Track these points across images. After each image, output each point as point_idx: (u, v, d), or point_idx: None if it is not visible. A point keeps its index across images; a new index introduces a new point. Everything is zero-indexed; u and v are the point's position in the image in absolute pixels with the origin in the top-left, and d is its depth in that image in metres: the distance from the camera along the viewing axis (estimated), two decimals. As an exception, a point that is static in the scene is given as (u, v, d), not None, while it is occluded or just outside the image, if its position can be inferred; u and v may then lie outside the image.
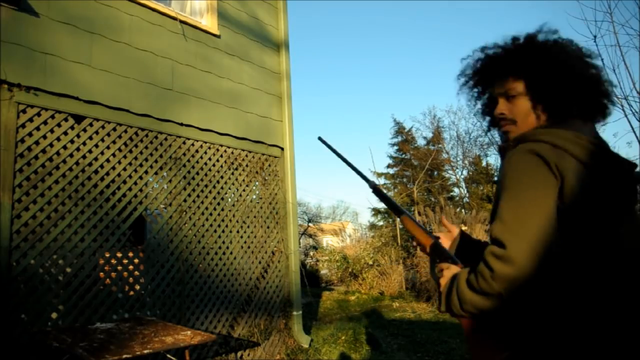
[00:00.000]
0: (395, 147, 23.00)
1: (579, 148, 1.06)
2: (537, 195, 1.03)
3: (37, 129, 3.58)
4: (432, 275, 1.30)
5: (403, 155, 22.70)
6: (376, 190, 1.51)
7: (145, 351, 2.50)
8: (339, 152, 1.70)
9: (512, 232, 1.01)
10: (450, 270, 1.21)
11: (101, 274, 3.81)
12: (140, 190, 4.18)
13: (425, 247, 1.34)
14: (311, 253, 19.90)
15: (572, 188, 1.02)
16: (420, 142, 23.89)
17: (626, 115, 5.20)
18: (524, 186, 1.05)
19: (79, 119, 3.86)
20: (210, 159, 4.87)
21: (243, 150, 5.24)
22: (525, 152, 1.08)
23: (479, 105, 1.35)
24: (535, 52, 1.19)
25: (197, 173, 4.70)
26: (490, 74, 1.25)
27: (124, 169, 4.09)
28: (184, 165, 4.59)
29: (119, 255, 3.97)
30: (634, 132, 5.13)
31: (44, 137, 3.61)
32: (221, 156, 4.99)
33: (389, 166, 23.03)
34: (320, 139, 1.76)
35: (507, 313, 1.05)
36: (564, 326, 1.02)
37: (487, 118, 1.35)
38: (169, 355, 3.32)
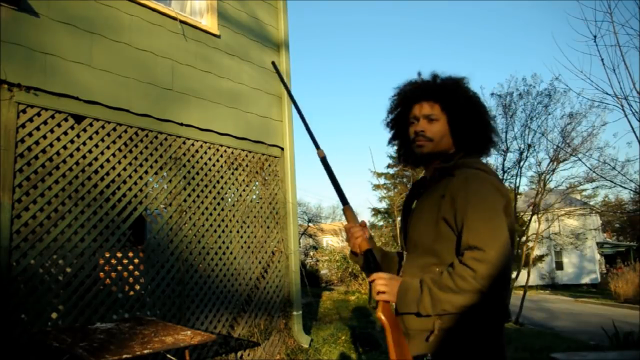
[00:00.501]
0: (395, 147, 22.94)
1: (497, 177, 1.44)
2: (499, 212, 1.30)
3: (37, 129, 3.58)
4: (366, 273, 1.45)
5: (403, 155, 22.66)
6: (324, 162, 1.52)
7: (145, 351, 2.50)
8: (293, 95, 1.73)
9: (487, 240, 1.24)
10: (395, 279, 1.37)
11: (101, 274, 3.81)
12: (140, 190, 4.18)
13: (358, 247, 1.45)
14: (311, 253, 19.89)
15: (510, 206, 1.36)
16: (421, 142, 23.85)
17: (626, 115, 5.20)
18: (490, 204, 1.30)
19: (79, 119, 3.85)
20: (210, 159, 4.86)
21: (243, 150, 5.23)
22: (482, 178, 1.35)
23: (394, 128, 1.56)
24: (458, 90, 1.44)
25: (197, 173, 4.70)
26: (419, 98, 1.45)
27: (124, 169, 4.08)
28: (184, 165, 4.59)
29: (119, 255, 3.96)
30: (634, 132, 5.13)
31: (44, 137, 3.61)
32: (221, 156, 4.98)
33: (389, 166, 23.01)
34: (273, 63, 1.88)
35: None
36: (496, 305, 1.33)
37: (396, 134, 1.56)
38: (169, 355, 3.31)
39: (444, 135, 1.43)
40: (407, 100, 1.49)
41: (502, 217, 1.29)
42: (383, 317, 1.31)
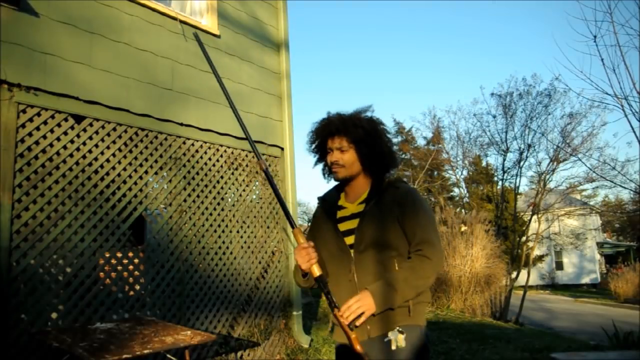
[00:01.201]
0: (395, 147, 22.96)
1: None
2: (434, 216, 1.82)
3: (37, 129, 3.58)
4: (331, 308, 1.65)
5: (403, 155, 22.70)
6: (266, 173, 1.77)
7: (145, 351, 2.50)
8: (220, 79, 1.99)
9: (435, 237, 1.69)
10: (362, 295, 1.60)
11: (101, 274, 3.81)
12: (140, 190, 4.18)
13: (309, 270, 1.65)
14: (311, 253, 19.88)
15: None
16: (420, 142, 23.89)
17: (626, 115, 5.21)
18: (429, 211, 1.77)
19: (79, 119, 3.85)
20: (210, 159, 4.86)
21: (243, 150, 5.23)
22: (418, 192, 1.83)
23: (317, 154, 1.88)
24: (359, 124, 1.75)
25: (197, 173, 4.70)
26: (331, 133, 1.77)
27: (124, 169, 4.08)
28: (184, 165, 4.59)
29: (119, 255, 3.96)
30: (634, 132, 5.14)
31: (44, 137, 3.61)
32: (221, 156, 4.98)
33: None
34: (195, 35, 2.13)
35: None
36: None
37: (320, 161, 1.90)
38: (169, 355, 3.31)
39: (354, 162, 1.76)
40: (322, 136, 1.81)
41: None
42: (359, 348, 1.58)
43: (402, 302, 1.60)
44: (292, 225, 1.70)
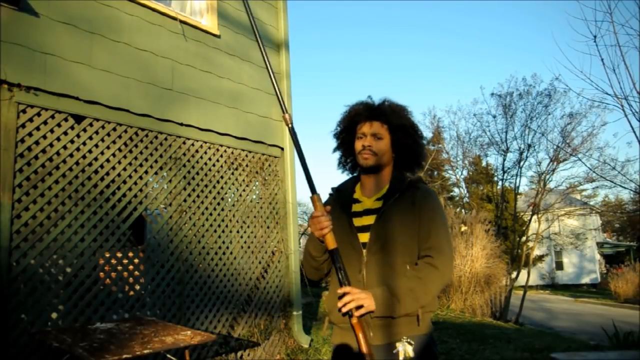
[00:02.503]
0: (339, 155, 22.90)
1: None
2: (448, 223, 1.79)
3: (37, 129, 3.58)
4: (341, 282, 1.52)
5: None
6: (291, 131, 1.58)
7: (145, 351, 2.50)
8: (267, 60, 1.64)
9: (447, 245, 1.60)
10: (366, 292, 1.50)
11: (101, 274, 3.81)
12: (140, 190, 4.18)
13: (325, 242, 1.52)
14: (311, 253, 19.86)
15: None
16: (420, 142, 23.82)
17: (626, 115, 5.21)
18: (445, 218, 1.67)
19: (79, 119, 3.85)
20: (210, 159, 4.86)
21: (243, 150, 5.23)
22: (436, 195, 1.73)
23: (343, 137, 1.77)
24: (404, 116, 1.70)
25: (197, 173, 4.70)
26: (370, 117, 1.68)
27: (124, 169, 4.08)
28: (184, 165, 4.59)
29: (119, 255, 3.96)
30: (634, 132, 5.13)
31: (44, 137, 3.61)
32: (221, 156, 4.98)
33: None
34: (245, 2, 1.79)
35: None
36: None
37: (344, 146, 1.78)
38: (169, 355, 3.32)
39: (386, 152, 1.69)
40: (359, 117, 1.71)
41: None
42: (359, 331, 1.46)
43: (403, 313, 1.52)
44: (313, 190, 1.52)
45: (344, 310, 1.45)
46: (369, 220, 1.64)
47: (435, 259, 1.55)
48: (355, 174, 1.82)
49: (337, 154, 1.83)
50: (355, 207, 1.71)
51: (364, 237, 1.63)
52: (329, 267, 1.71)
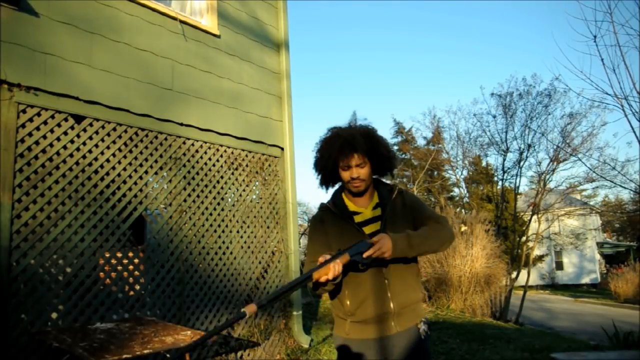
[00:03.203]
0: (395, 147, 22.97)
1: None
2: None
3: (37, 129, 3.58)
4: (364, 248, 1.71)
5: (403, 155, 22.68)
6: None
7: (145, 351, 2.50)
8: None
9: (443, 219, 1.96)
10: (385, 237, 1.72)
11: (101, 274, 3.81)
12: (140, 190, 4.18)
13: (335, 271, 1.65)
14: (311, 253, 19.84)
15: None
16: (420, 142, 23.84)
17: (626, 115, 5.21)
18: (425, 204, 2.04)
19: (79, 119, 3.85)
20: (210, 159, 4.86)
21: (243, 150, 5.23)
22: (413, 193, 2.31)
23: (327, 172, 1.95)
24: (374, 139, 1.89)
25: (197, 173, 4.70)
26: (350, 152, 1.83)
27: (124, 169, 4.08)
28: (184, 165, 4.59)
29: (119, 255, 3.96)
30: (634, 132, 5.13)
31: (44, 137, 3.61)
32: (221, 156, 4.98)
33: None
34: None
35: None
36: None
37: (328, 179, 1.98)
38: (169, 355, 3.31)
39: (370, 173, 1.91)
40: (340, 155, 1.86)
41: None
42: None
43: (415, 254, 1.82)
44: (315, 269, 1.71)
45: (376, 255, 1.69)
46: (375, 227, 1.88)
47: (435, 219, 1.91)
48: (336, 188, 2.04)
49: (319, 179, 2.03)
50: (359, 218, 1.92)
51: None
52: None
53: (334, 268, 1.63)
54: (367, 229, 1.87)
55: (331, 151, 1.88)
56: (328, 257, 1.68)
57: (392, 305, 1.81)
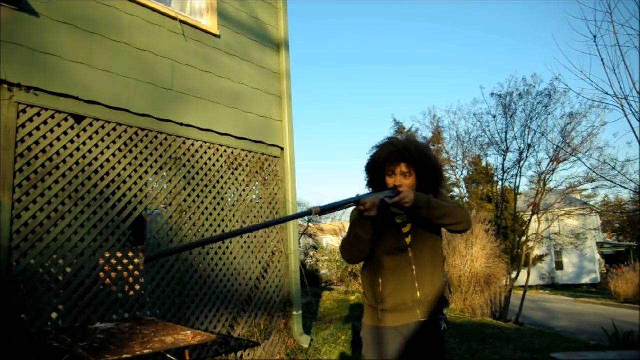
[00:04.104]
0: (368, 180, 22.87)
1: None
2: None
3: (37, 129, 3.58)
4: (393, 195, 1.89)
5: (403, 155, 22.62)
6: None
7: (145, 351, 2.50)
8: None
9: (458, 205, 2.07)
10: (409, 191, 1.87)
11: (101, 274, 3.81)
12: (140, 190, 4.18)
13: (374, 206, 1.83)
14: (311, 253, 19.87)
15: None
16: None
17: (626, 115, 5.21)
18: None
19: (79, 119, 3.85)
20: (210, 159, 4.86)
21: (243, 150, 5.23)
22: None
23: (374, 175, 2.07)
24: (426, 156, 2.01)
25: (197, 173, 4.70)
26: (399, 160, 1.98)
27: (124, 169, 4.08)
28: (184, 165, 4.59)
29: (119, 255, 3.96)
30: (634, 132, 5.13)
31: (44, 137, 3.61)
32: (221, 156, 4.98)
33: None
34: None
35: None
36: None
37: (375, 179, 2.08)
38: (169, 355, 3.32)
39: (414, 185, 2.00)
40: (388, 160, 2.00)
41: None
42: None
43: (430, 215, 1.87)
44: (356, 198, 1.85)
45: (400, 201, 1.84)
46: (409, 227, 2.05)
47: (456, 204, 2.02)
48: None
49: (367, 180, 2.15)
50: (399, 219, 2.07)
51: (408, 239, 2.03)
52: (369, 247, 2.00)
53: (372, 200, 1.80)
54: (405, 229, 2.04)
55: (381, 156, 2.02)
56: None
57: (419, 294, 1.96)
